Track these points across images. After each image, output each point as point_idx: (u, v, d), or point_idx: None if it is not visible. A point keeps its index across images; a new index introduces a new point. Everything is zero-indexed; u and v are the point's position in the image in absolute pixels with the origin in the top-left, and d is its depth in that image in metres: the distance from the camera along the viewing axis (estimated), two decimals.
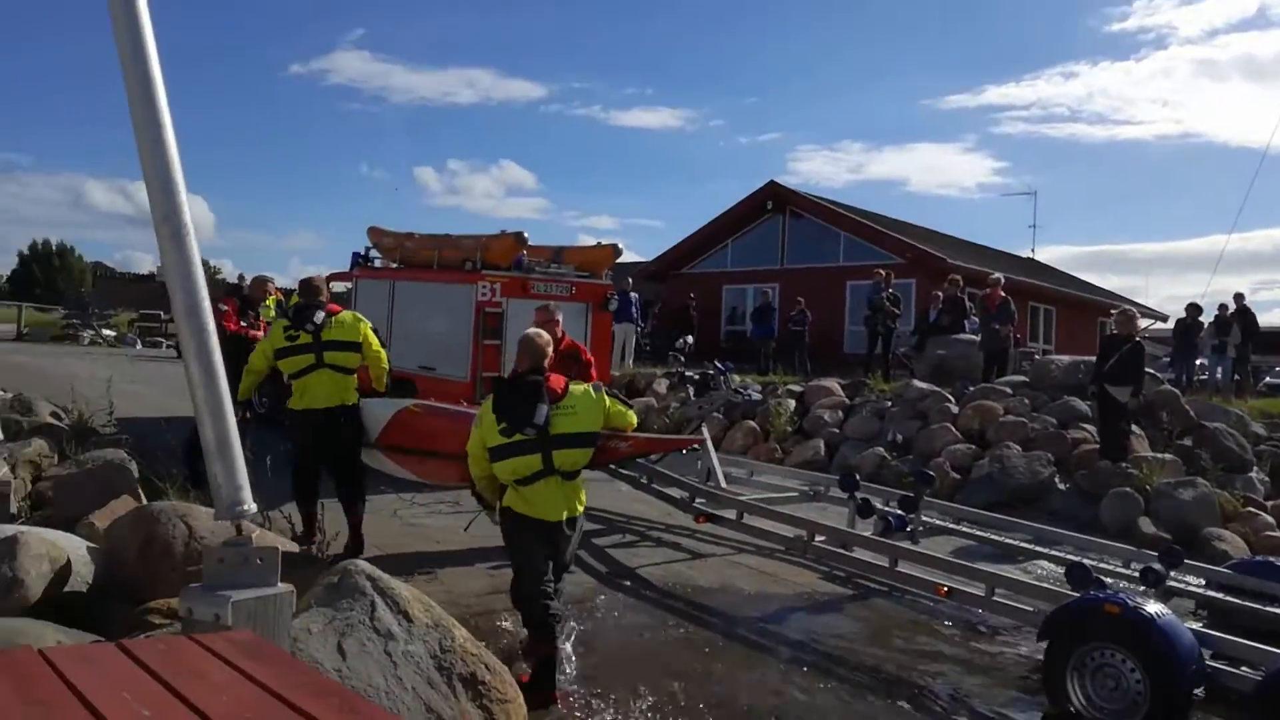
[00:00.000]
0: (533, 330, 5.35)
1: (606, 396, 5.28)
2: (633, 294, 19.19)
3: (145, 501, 6.85)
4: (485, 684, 3.73)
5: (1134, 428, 11.38)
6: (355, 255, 11.12)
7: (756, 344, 20.30)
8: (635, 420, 5.75)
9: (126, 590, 5.30)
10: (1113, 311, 10.97)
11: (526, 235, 9.94)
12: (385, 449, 7.32)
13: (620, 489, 9.46)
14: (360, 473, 6.95)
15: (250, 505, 3.29)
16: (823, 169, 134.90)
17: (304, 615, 3.71)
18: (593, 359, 7.86)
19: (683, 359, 19.16)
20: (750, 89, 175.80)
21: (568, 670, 5.29)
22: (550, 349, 5.22)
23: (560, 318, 7.64)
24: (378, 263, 11.08)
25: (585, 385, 5.24)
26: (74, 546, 5.58)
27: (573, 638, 5.83)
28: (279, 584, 3.22)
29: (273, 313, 19.48)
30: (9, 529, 5.24)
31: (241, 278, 24.05)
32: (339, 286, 12.43)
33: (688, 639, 6.08)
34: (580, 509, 5.17)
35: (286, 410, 6.86)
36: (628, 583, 7.11)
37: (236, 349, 7.79)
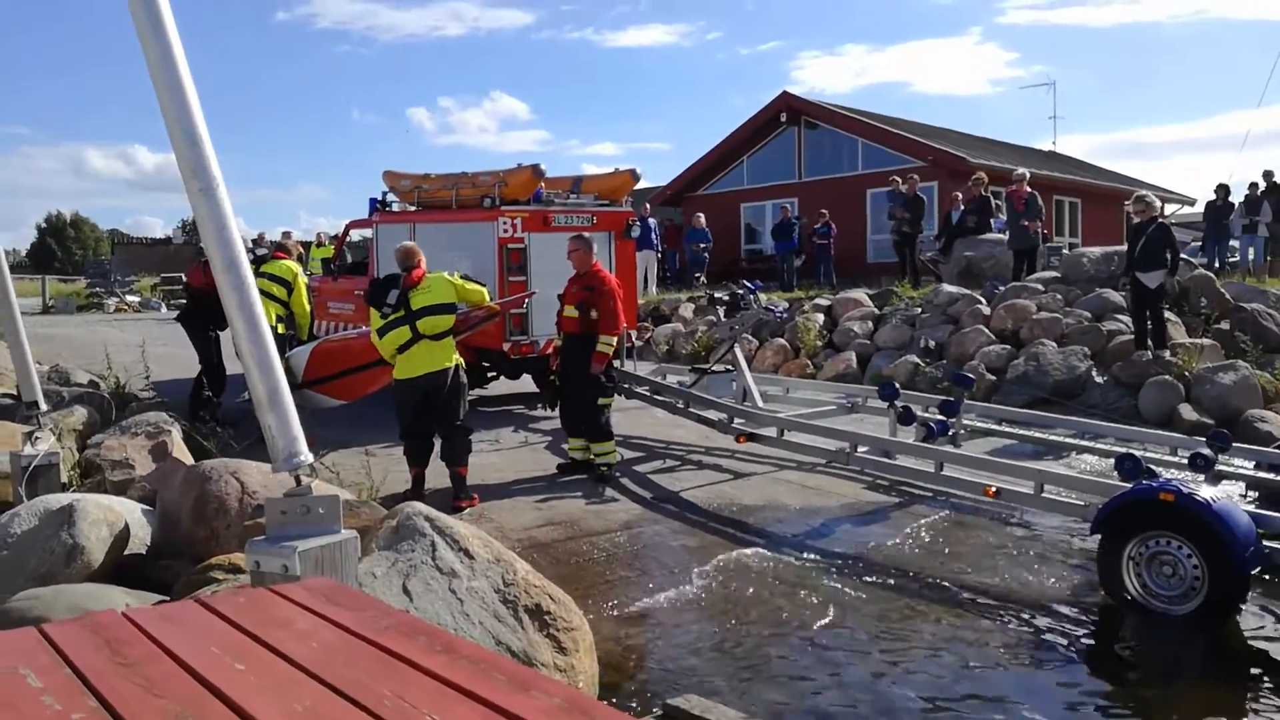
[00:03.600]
0: (404, 241, 7.61)
1: (459, 278, 7.15)
2: (650, 220, 18.99)
3: (193, 461, 6.95)
4: (550, 614, 3.77)
5: (1169, 314, 11.23)
6: (373, 201, 11.01)
7: (778, 260, 20.11)
8: (487, 295, 7.47)
9: (185, 549, 5.40)
10: (1128, 202, 10.64)
11: (544, 167, 9.79)
12: (311, 385, 8.10)
13: (657, 415, 9.51)
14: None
15: (306, 456, 3.30)
16: (827, 75, 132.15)
17: (367, 560, 3.75)
18: (616, 288, 7.78)
19: (699, 278, 19.09)
20: None
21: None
22: (419, 254, 6.98)
23: (595, 246, 7.86)
24: (395, 207, 10.98)
25: (441, 272, 7.06)
26: (129, 510, 5.67)
27: (622, 560, 5.91)
28: (342, 530, 3.24)
29: (319, 266, 19.50)
30: (65, 497, 5.33)
31: (286, 234, 24.10)
32: (362, 233, 12.41)
33: (738, 557, 6.13)
34: (449, 364, 6.81)
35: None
36: (673, 507, 7.16)
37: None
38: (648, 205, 19.77)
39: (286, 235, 21.76)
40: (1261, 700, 4.34)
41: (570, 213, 10.05)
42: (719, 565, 5.98)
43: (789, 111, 23.96)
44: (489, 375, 10.59)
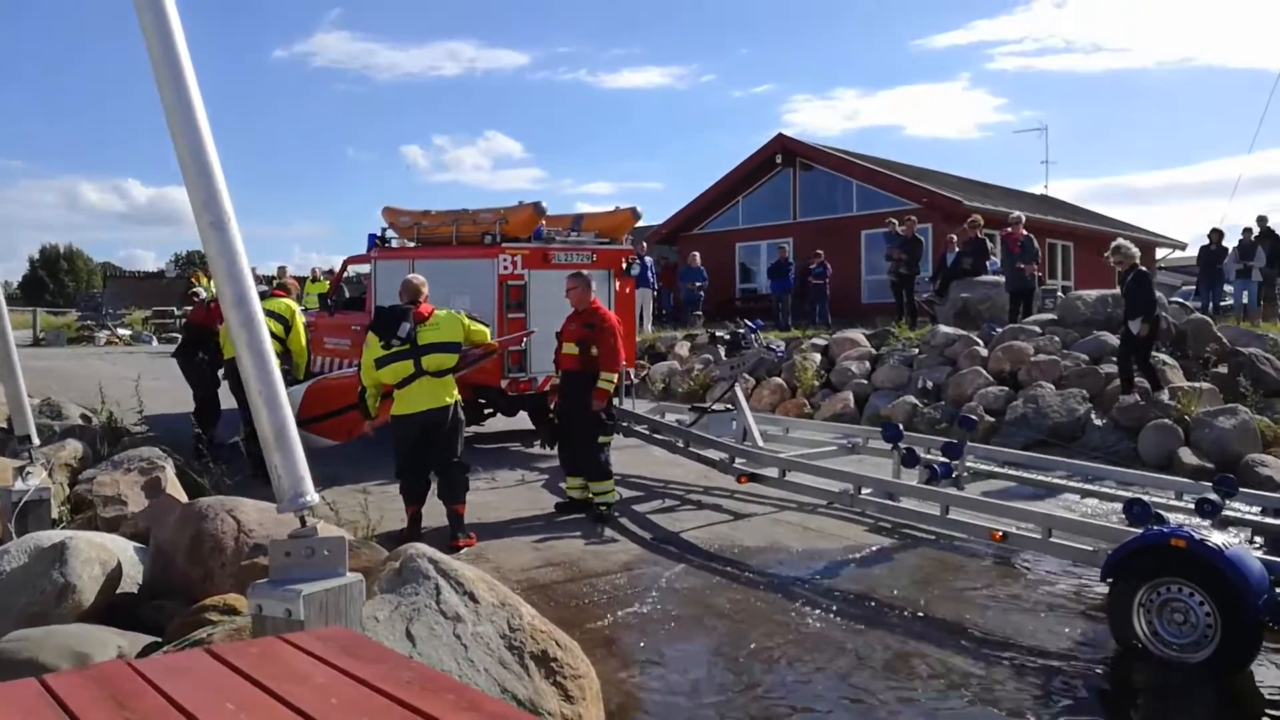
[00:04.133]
0: (411, 274, 7.37)
1: (465, 317, 7.02)
2: (647, 258, 19.03)
3: (186, 498, 6.82)
4: (557, 660, 3.68)
5: (1167, 358, 11.24)
6: (371, 237, 10.99)
7: (774, 299, 20.14)
8: (488, 334, 7.26)
9: (179, 589, 5.26)
10: (1106, 252, 10.74)
11: (545, 205, 9.80)
12: (306, 424, 7.75)
13: (655, 454, 9.42)
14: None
15: (313, 496, 3.21)
16: (819, 118, 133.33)
17: (369, 603, 3.65)
18: (616, 324, 7.74)
19: (700, 316, 19.06)
20: (739, 41, 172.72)
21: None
22: (425, 289, 6.98)
23: (594, 285, 7.84)
24: (394, 243, 10.96)
25: (448, 309, 7.02)
26: (122, 548, 5.53)
27: (624, 603, 5.81)
28: (348, 573, 3.15)
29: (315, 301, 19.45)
30: (56, 535, 5.20)
31: (282, 270, 24.02)
32: (360, 269, 12.37)
33: (739, 600, 6.03)
34: (449, 400, 6.76)
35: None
36: (673, 548, 7.07)
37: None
38: (644, 243, 19.82)
39: (282, 271, 21.80)
40: None
41: (571, 250, 10.04)
42: (722, 609, 5.88)
43: (784, 153, 24.15)
44: (485, 412, 10.51)
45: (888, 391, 12.44)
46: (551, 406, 8.16)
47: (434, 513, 6.96)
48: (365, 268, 11.52)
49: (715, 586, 6.28)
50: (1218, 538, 5.10)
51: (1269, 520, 6.64)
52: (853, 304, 20.81)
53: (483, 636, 3.63)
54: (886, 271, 17.61)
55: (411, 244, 10.75)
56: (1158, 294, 13.77)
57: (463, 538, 6.71)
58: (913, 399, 11.88)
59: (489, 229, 9.69)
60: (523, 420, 10.88)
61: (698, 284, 20.09)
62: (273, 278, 11.68)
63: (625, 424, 9.33)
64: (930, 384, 12.03)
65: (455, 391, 6.85)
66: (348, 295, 12.44)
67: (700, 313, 19.56)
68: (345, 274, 12.57)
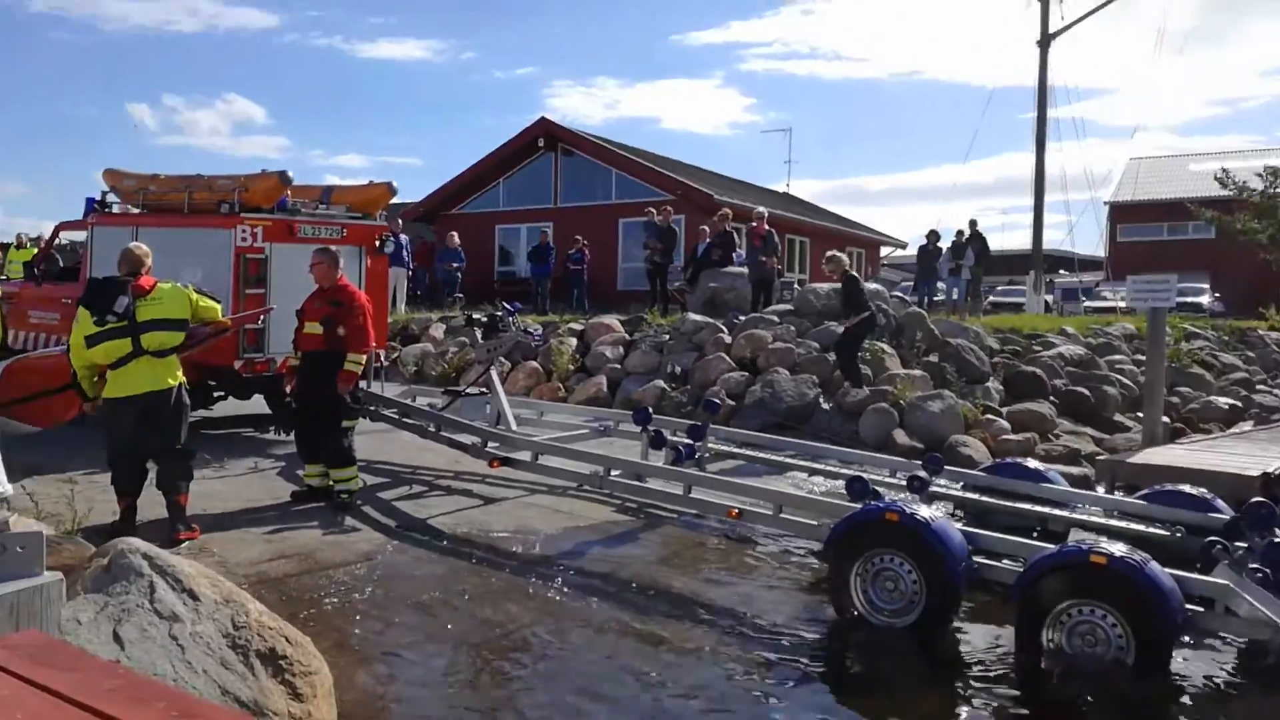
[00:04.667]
0: (133, 244, 6.62)
1: (194, 292, 6.45)
2: (402, 236, 18.45)
3: None
4: (286, 658, 3.48)
5: (886, 347, 12.26)
6: (90, 201, 9.91)
7: (534, 284, 20.15)
8: (219, 310, 6.71)
9: None
10: (824, 265, 11.85)
11: (291, 174, 9.23)
12: (5, 408, 7.05)
13: (404, 439, 9.17)
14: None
15: (5, 488, 2.86)
16: (580, 105, 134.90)
17: (70, 604, 3.30)
18: (365, 304, 7.42)
19: (461, 298, 18.72)
20: (502, 21, 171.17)
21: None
22: (148, 260, 6.33)
23: (342, 261, 7.46)
24: (116, 208, 9.95)
25: (174, 282, 6.43)
26: None
27: (364, 594, 5.62)
28: (45, 572, 2.83)
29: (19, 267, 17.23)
30: None
31: None
32: (74, 236, 11.16)
33: (486, 584, 6.00)
34: (172, 382, 6.20)
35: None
36: (419, 535, 6.91)
37: None
38: (399, 221, 19.19)
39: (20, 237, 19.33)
40: (973, 701, 4.75)
41: (318, 224, 9.54)
42: (468, 594, 5.82)
43: (547, 137, 24.19)
44: (215, 395, 9.81)
45: (639, 376, 12.78)
46: (288, 390, 7.69)
47: (151, 504, 6.40)
48: (81, 235, 10.40)
49: (462, 572, 6.20)
50: (925, 511, 5.63)
51: (969, 495, 7.44)
52: (610, 290, 21.21)
53: (203, 636, 3.38)
54: (643, 260, 18.07)
55: (136, 210, 9.82)
56: (879, 287, 15.04)
57: (184, 530, 6.22)
58: (662, 383, 12.28)
59: (226, 197, 9.01)
60: (257, 404, 10.25)
61: (455, 265, 19.74)
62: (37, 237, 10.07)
63: (373, 408, 9.00)
64: (679, 369, 12.47)
65: (179, 373, 6.30)
66: (61, 265, 11.20)
67: (459, 295, 19.23)
68: (57, 241, 11.29)
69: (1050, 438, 10.86)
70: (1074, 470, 9.46)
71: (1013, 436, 10.63)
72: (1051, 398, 11.84)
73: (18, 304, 10.38)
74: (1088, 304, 25.93)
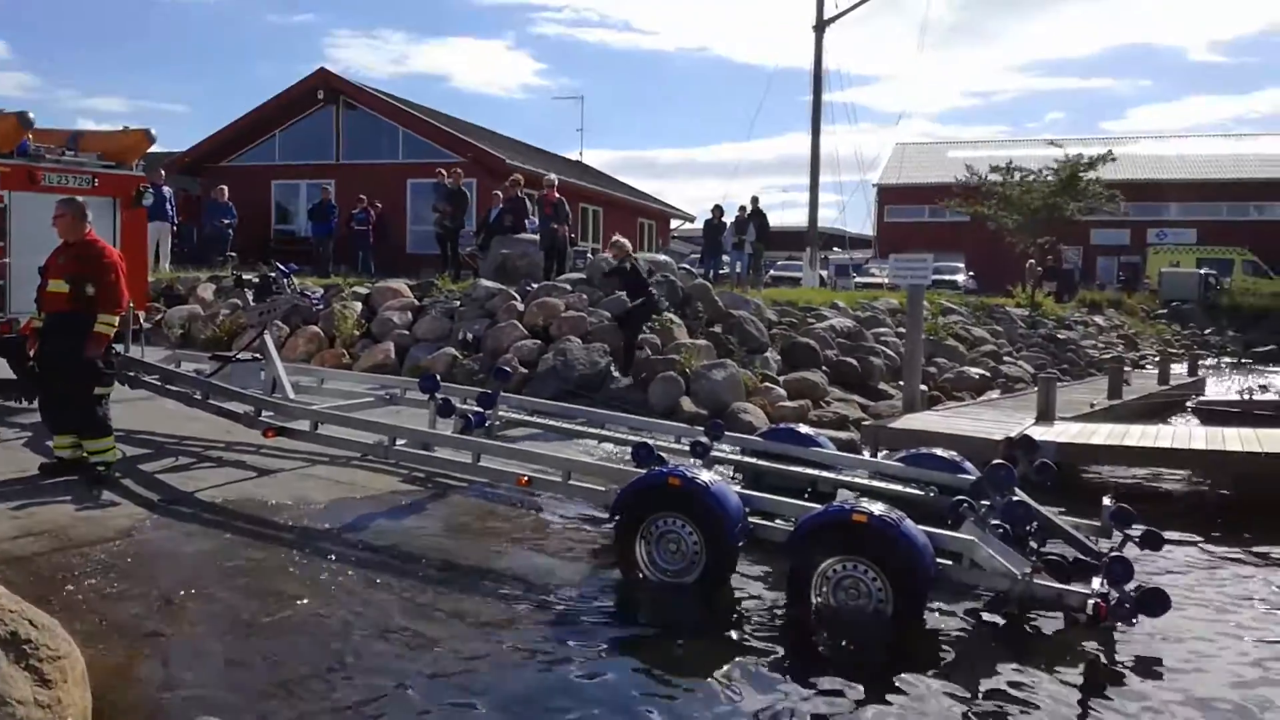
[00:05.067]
0: None
1: None
2: (165, 188, 17.08)
3: None
4: (31, 642, 3.18)
5: (675, 317, 12.61)
6: None
7: (315, 244, 19.22)
8: None
9: None
10: (607, 250, 12.21)
11: (32, 116, 8.31)
12: None
13: (168, 407, 8.54)
14: None
15: None
16: (365, 58, 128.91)
17: None
18: (117, 260, 6.83)
19: (234, 257, 17.56)
20: None
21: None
22: None
23: (91, 214, 6.79)
24: None
25: None
26: None
27: (122, 573, 5.22)
28: None
29: None
30: None
31: None
32: None
33: (258, 560, 5.71)
34: None
35: None
36: (186, 509, 6.48)
37: None
38: (161, 172, 17.75)
39: None
40: (748, 652, 5.00)
41: (66, 172, 8.66)
42: (236, 569, 5.52)
43: (327, 89, 23.07)
44: None
45: (429, 343, 12.50)
46: (31, 354, 6.97)
47: None
48: None
49: (232, 546, 5.88)
50: (705, 476, 5.85)
51: (747, 459, 7.79)
52: (398, 254, 20.57)
53: None
54: (432, 223, 17.64)
55: None
56: (666, 258, 15.43)
57: None
58: (453, 351, 12.07)
59: None
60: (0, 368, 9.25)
61: (225, 221, 18.49)
62: None
63: (132, 374, 8.33)
64: (470, 336, 12.30)
65: None
66: None
67: (232, 254, 18.03)
68: None
69: (822, 404, 11.56)
70: (842, 435, 10.11)
71: (789, 403, 11.22)
72: (824, 367, 12.57)
73: None
74: (858, 279, 27.69)
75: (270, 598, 5.18)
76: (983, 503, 5.75)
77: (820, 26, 23.17)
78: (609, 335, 12.07)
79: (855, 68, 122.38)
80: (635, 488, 5.84)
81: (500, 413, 8.28)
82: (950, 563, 5.29)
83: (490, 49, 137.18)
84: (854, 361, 12.91)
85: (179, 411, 8.46)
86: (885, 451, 8.96)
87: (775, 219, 21.70)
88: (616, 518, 5.87)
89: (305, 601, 5.16)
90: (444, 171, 17.48)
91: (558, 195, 15.15)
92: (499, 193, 17.24)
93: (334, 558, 5.83)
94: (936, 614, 5.45)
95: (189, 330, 13.56)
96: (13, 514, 5.94)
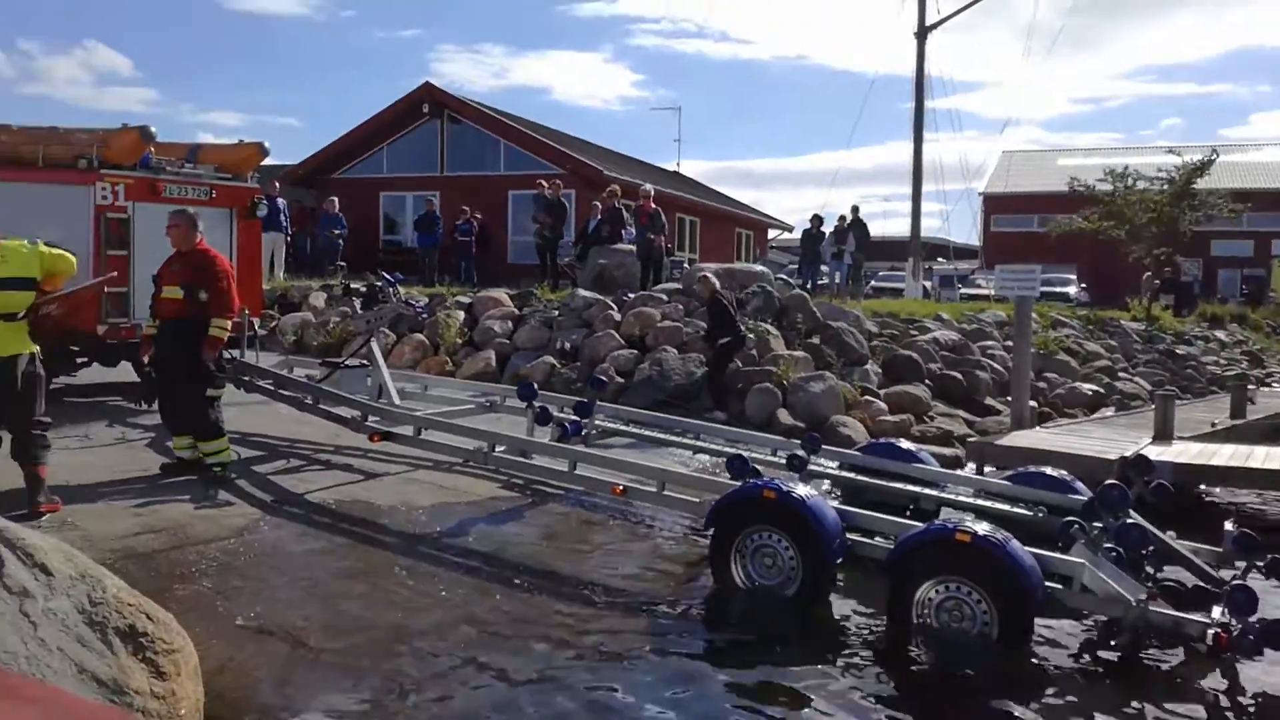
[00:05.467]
0: None
1: (44, 246, 5.96)
2: (279, 200, 17.77)
3: None
4: (148, 635, 3.33)
5: (770, 328, 12.47)
6: None
7: (420, 254, 19.72)
8: (74, 262, 6.27)
9: None
10: (696, 285, 11.81)
11: (154, 130, 8.74)
12: None
13: (281, 411, 8.86)
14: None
15: None
16: (467, 72, 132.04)
17: None
18: (228, 267, 7.10)
19: (343, 266, 18.14)
20: None
21: None
22: None
23: (201, 225, 7.07)
24: None
25: (21, 240, 5.91)
26: None
27: (237, 570, 5.42)
28: None
29: None
30: None
31: None
32: None
33: (365, 561, 5.87)
34: (21, 350, 5.79)
35: None
36: (297, 509, 6.70)
37: None
38: (276, 184, 18.49)
39: None
40: (844, 672, 4.90)
41: (185, 183, 9.09)
42: (344, 569, 5.68)
43: (432, 103, 23.64)
44: (79, 361, 9.28)
45: (528, 351, 12.67)
46: (145, 359, 7.30)
47: (12, 475, 6.01)
48: None
49: (339, 548, 6.05)
50: (802, 489, 5.77)
51: (845, 474, 7.66)
52: (499, 264, 20.94)
53: (57, 613, 3.19)
54: (532, 234, 17.90)
55: None
56: (764, 269, 15.31)
57: (45, 503, 5.87)
58: (551, 359, 12.20)
59: (85, 152, 8.48)
60: (126, 371, 9.74)
61: (336, 232, 19.12)
62: None
63: (247, 378, 8.68)
64: (568, 345, 12.42)
65: (28, 340, 5.86)
66: None
67: (341, 263, 18.65)
68: None
69: (925, 419, 11.28)
70: (946, 451, 9.85)
71: (890, 417, 10.99)
72: (927, 381, 12.28)
73: None
74: (963, 291, 26.99)
75: (377, 599, 5.31)
76: (1095, 525, 5.52)
77: (922, 33, 22.70)
78: (705, 346, 12.02)
79: (959, 74, 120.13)
80: (730, 500, 5.80)
81: (597, 421, 8.33)
82: (1059, 587, 5.09)
83: (589, 61, 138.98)
84: (959, 376, 12.57)
85: (291, 415, 8.77)
86: (992, 469, 8.69)
87: (876, 229, 21.37)
88: (711, 530, 5.84)
89: (411, 604, 5.27)
90: (544, 183, 17.73)
91: (654, 205, 15.20)
92: (597, 204, 17.39)
93: (437, 562, 5.95)
94: (1044, 640, 5.25)
95: (301, 337, 14.04)
96: (135, 511, 6.23)
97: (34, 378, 5.88)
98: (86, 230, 8.39)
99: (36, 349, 5.94)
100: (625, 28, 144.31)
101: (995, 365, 13.43)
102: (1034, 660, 5.07)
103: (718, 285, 11.23)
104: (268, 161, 10.94)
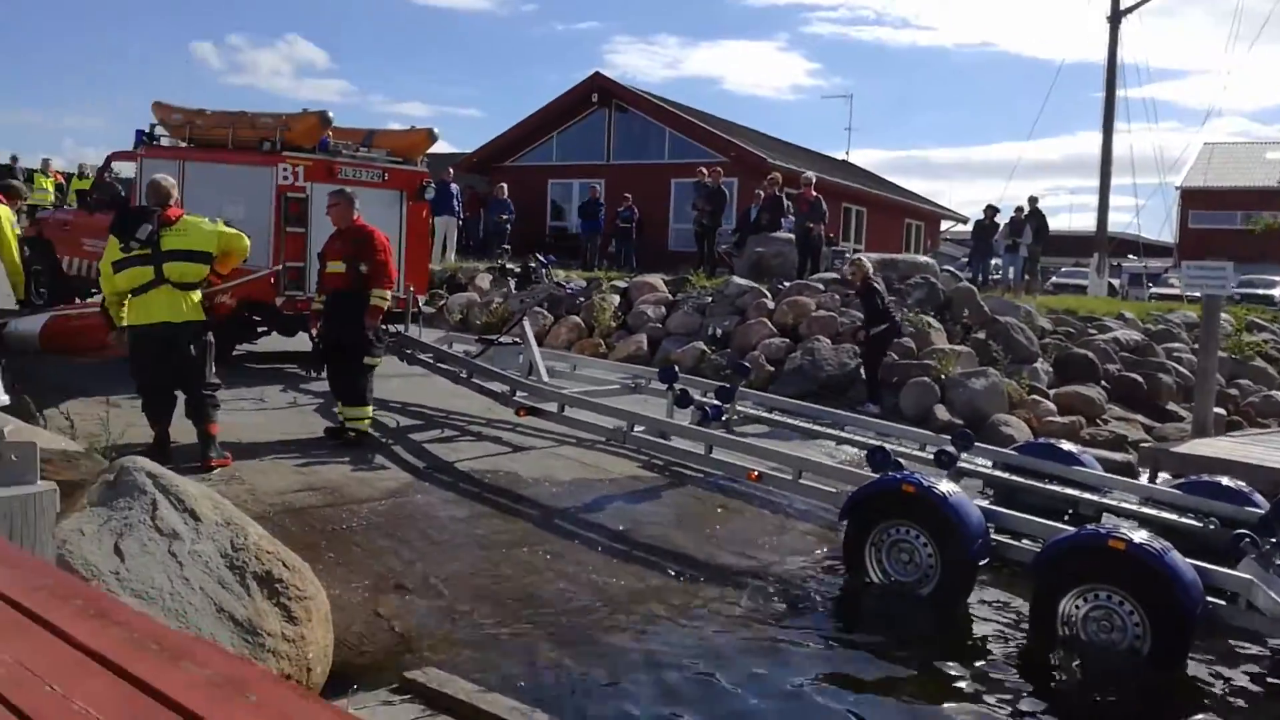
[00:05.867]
0: (159, 175, 6.70)
1: (222, 224, 6.47)
2: (453, 185, 18.51)
3: None
4: (282, 581, 3.53)
5: (932, 320, 12.01)
6: (139, 134, 10.05)
7: (583, 239, 20.11)
8: (248, 244, 6.61)
9: None
10: (843, 265, 11.15)
11: (331, 115, 9.25)
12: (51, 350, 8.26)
13: (439, 384, 9.23)
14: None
15: (2, 398, 2.91)
16: (640, 63, 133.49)
17: (76, 516, 3.38)
18: (385, 241, 7.40)
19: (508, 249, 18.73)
20: None
21: None
22: (175, 192, 6.49)
23: (357, 204, 7.41)
24: (165, 141, 10.08)
25: (203, 218, 6.42)
26: None
27: (382, 529, 5.69)
28: (38, 482, 2.88)
29: (51, 197, 17.63)
30: None
31: (14, 159, 21.67)
32: (124, 168, 11.35)
33: (504, 529, 6.03)
34: (192, 318, 6.22)
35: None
36: (445, 476, 6.96)
37: None
38: (450, 170, 19.25)
39: (46, 163, 19.78)
40: (974, 670, 4.67)
41: (359, 166, 9.56)
42: (482, 537, 5.86)
43: (600, 93, 23.99)
44: (260, 330, 9.97)
45: (680, 337, 12.70)
46: (313, 331, 7.75)
47: (188, 432, 6.52)
48: (131, 166, 10.57)
49: (481, 516, 6.25)
50: (944, 485, 5.52)
51: (999, 474, 7.29)
52: (661, 250, 21.08)
53: (201, 555, 3.43)
54: (691, 221, 17.91)
55: (183, 144, 9.94)
56: (929, 260, 14.72)
57: (216, 457, 6.34)
58: (702, 345, 12.19)
59: (268, 135, 9.07)
60: (302, 341, 10.39)
61: (504, 216, 19.75)
62: (70, 173, 9.63)
63: (409, 351, 9.08)
64: (719, 332, 12.37)
65: (199, 309, 6.32)
66: (123, 193, 11.39)
67: (506, 246, 19.26)
68: (110, 171, 11.49)
69: (1098, 422, 10.60)
70: (1117, 456, 9.23)
71: (1058, 419, 10.39)
72: (1102, 382, 11.53)
73: (72, 231, 10.63)
74: (1154, 290, 25.20)
75: (511, 567, 5.46)
76: (1270, 540, 5.03)
77: (1116, 17, 21.17)
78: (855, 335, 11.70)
79: (1159, 61, 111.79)
80: (867, 491, 5.63)
81: (739, 408, 8.25)
82: (1223, 603, 4.67)
83: (762, 50, 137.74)
84: (1139, 378, 11.73)
85: (448, 388, 9.12)
86: (1166, 477, 8.08)
87: (1063, 222, 20.39)
88: (846, 521, 5.68)
89: (543, 575, 5.39)
90: (703, 170, 17.69)
91: (815, 194, 14.89)
92: (760, 191, 17.22)
93: (569, 535, 6.06)
94: (1201, 660, 4.83)
95: (467, 316, 14.58)
96: (297, 470, 6.64)
97: (205, 344, 6.36)
98: (268, 208, 8.96)
99: (205, 319, 6.40)
100: (801, 16, 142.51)
101: (1181, 369, 12.44)
102: (1188, 679, 4.68)
103: (870, 270, 10.84)
104: (449, 149, 11.45)
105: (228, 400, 8.15)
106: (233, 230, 6.49)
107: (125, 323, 6.24)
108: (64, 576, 1.87)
